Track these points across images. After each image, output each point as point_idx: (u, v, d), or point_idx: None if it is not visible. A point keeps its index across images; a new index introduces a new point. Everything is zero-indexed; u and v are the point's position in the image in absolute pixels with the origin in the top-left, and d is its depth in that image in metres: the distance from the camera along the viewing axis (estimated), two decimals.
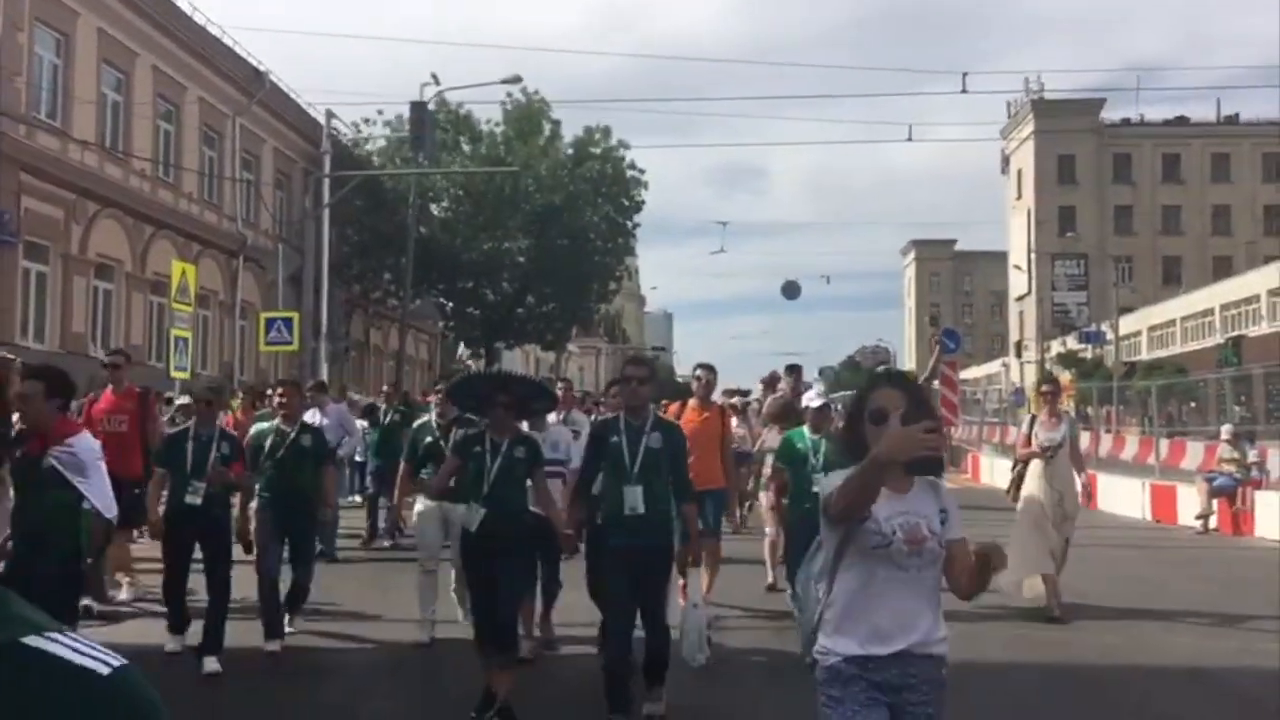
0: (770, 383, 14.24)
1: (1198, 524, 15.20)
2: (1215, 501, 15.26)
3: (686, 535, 6.13)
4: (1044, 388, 9.67)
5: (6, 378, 6.07)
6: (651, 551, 5.73)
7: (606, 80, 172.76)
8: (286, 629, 7.62)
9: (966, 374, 58.03)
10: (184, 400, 14.79)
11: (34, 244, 21.08)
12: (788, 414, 10.03)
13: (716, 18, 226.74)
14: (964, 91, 27.85)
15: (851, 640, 3.11)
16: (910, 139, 44.28)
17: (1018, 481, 9.16)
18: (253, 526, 7.62)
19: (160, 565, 7.45)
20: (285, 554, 7.76)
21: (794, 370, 12.60)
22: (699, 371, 9.26)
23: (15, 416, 6.17)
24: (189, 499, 6.94)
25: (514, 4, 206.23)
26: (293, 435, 7.70)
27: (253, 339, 28.47)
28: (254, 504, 7.69)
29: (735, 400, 14.17)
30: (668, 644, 5.87)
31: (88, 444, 5.32)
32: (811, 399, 8.98)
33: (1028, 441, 9.16)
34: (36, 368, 6.27)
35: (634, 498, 5.69)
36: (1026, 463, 9.13)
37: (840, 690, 3.11)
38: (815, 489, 8.15)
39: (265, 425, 8.76)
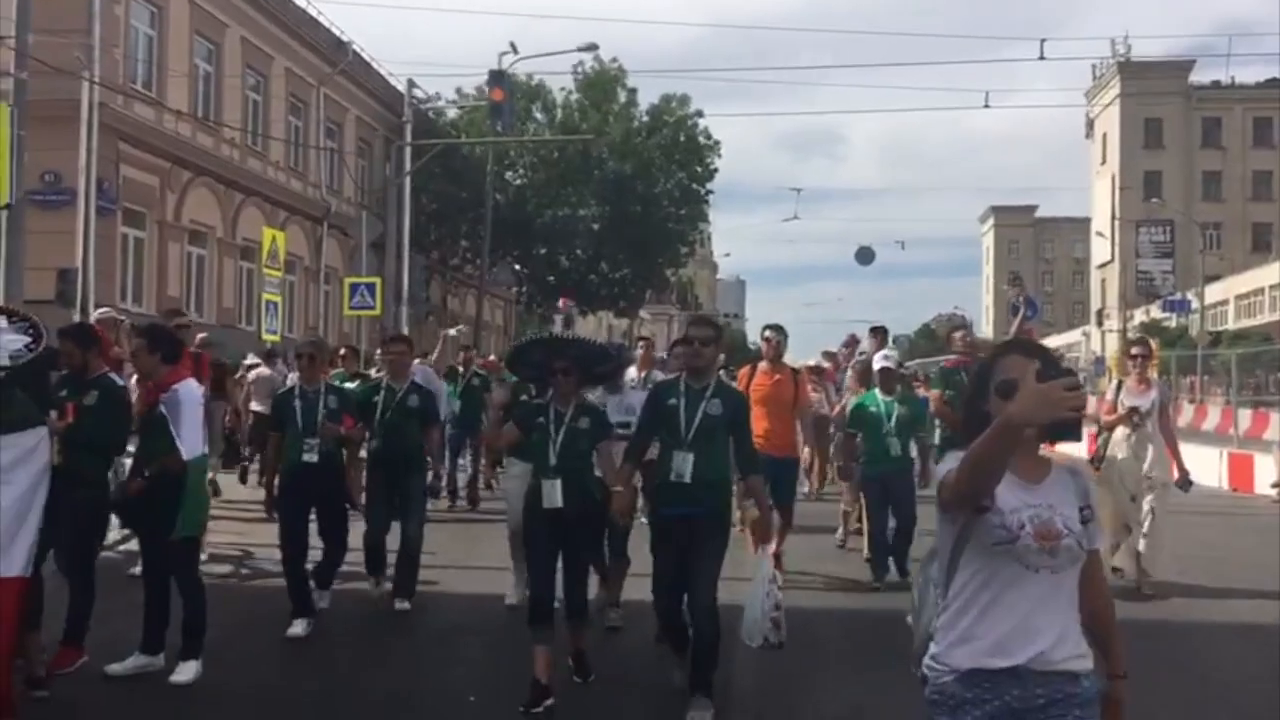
0: (851, 345, 13.86)
1: (1273, 492, 15.11)
2: None
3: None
4: (1134, 350, 8.92)
5: (104, 336, 6.62)
6: (697, 522, 5.32)
7: (683, 49, 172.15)
8: (398, 601, 7.36)
9: (1046, 342, 57.10)
10: (250, 361, 15.31)
11: (132, 210, 21.98)
12: (870, 376, 9.62)
13: None
14: (1041, 58, 27.80)
15: (966, 653, 2.66)
16: (988, 105, 43.23)
17: (1103, 449, 8.48)
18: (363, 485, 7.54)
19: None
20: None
21: (877, 332, 12.08)
22: (768, 333, 8.87)
23: (131, 371, 6.74)
24: (306, 457, 6.80)
25: None
26: (401, 394, 7.53)
27: (336, 303, 29.33)
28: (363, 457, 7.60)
29: (817, 363, 13.90)
30: (715, 631, 5.26)
31: (188, 389, 5.73)
32: (879, 360, 8.80)
33: (1114, 408, 8.46)
34: (142, 327, 6.76)
35: (682, 464, 5.33)
36: (1112, 430, 8.42)
37: (949, 716, 2.67)
38: (893, 453, 8.40)
39: (359, 384, 9.12)
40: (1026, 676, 2.62)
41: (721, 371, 9.15)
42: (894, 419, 8.44)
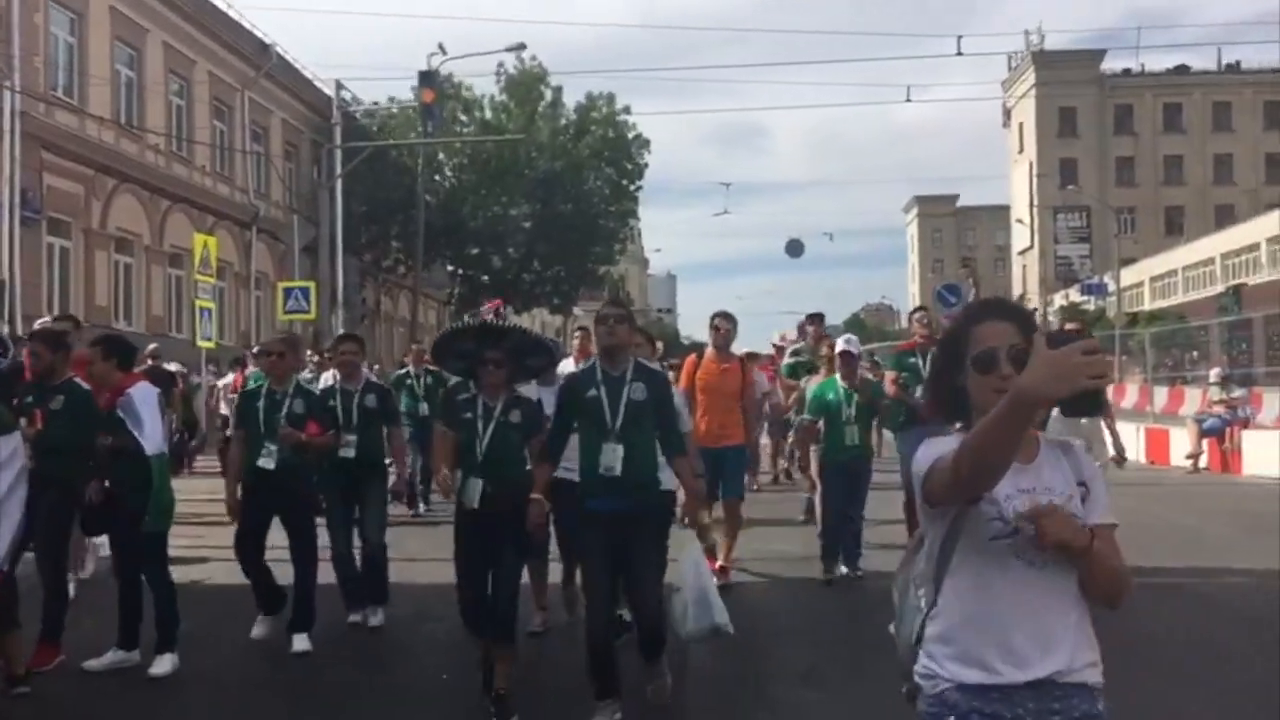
0: (813, 324, 13.41)
1: (1188, 464, 15.82)
2: (1205, 442, 15.86)
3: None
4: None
5: (64, 341, 6.71)
6: (632, 517, 4.99)
7: (609, 47, 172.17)
8: (369, 614, 7.03)
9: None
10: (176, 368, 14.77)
11: (56, 220, 21.67)
12: (831, 363, 9.29)
13: None
14: (959, 54, 28.19)
15: (970, 663, 2.32)
16: (909, 100, 43.50)
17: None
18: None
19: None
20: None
21: (815, 319, 12.02)
22: (717, 320, 8.42)
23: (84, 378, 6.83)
24: (261, 461, 6.43)
25: None
26: (357, 395, 7.15)
27: (268, 308, 29.13)
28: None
29: (776, 348, 13.99)
30: (660, 620, 5.12)
31: (142, 391, 5.87)
32: (840, 343, 8.53)
33: None
34: (96, 336, 6.86)
35: (611, 456, 4.99)
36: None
37: None
38: (849, 441, 8.23)
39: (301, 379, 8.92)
40: (1047, 689, 2.30)
41: (660, 364, 9.29)
42: (853, 406, 8.29)
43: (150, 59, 25.09)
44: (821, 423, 8.41)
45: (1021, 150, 72.18)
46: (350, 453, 7.00)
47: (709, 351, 8.41)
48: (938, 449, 2.32)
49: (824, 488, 8.50)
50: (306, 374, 12.00)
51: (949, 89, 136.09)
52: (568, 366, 9.14)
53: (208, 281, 19.50)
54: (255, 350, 11.37)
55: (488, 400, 5.40)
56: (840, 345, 8.48)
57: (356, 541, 7.19)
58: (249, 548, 6.53)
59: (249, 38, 29.42)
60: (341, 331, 12.93)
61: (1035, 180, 65.26)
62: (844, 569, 8.31)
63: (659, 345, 9.82)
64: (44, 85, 21.25)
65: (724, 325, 8.36)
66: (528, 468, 5.36)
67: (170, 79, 26.08)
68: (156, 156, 25.41)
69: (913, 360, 8.53)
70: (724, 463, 8.08)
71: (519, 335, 5.76)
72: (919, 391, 8.05)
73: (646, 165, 38.53)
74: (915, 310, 9.92)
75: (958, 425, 2.46)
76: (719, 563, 7.91)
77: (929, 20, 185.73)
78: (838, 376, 8.38)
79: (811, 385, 9.30)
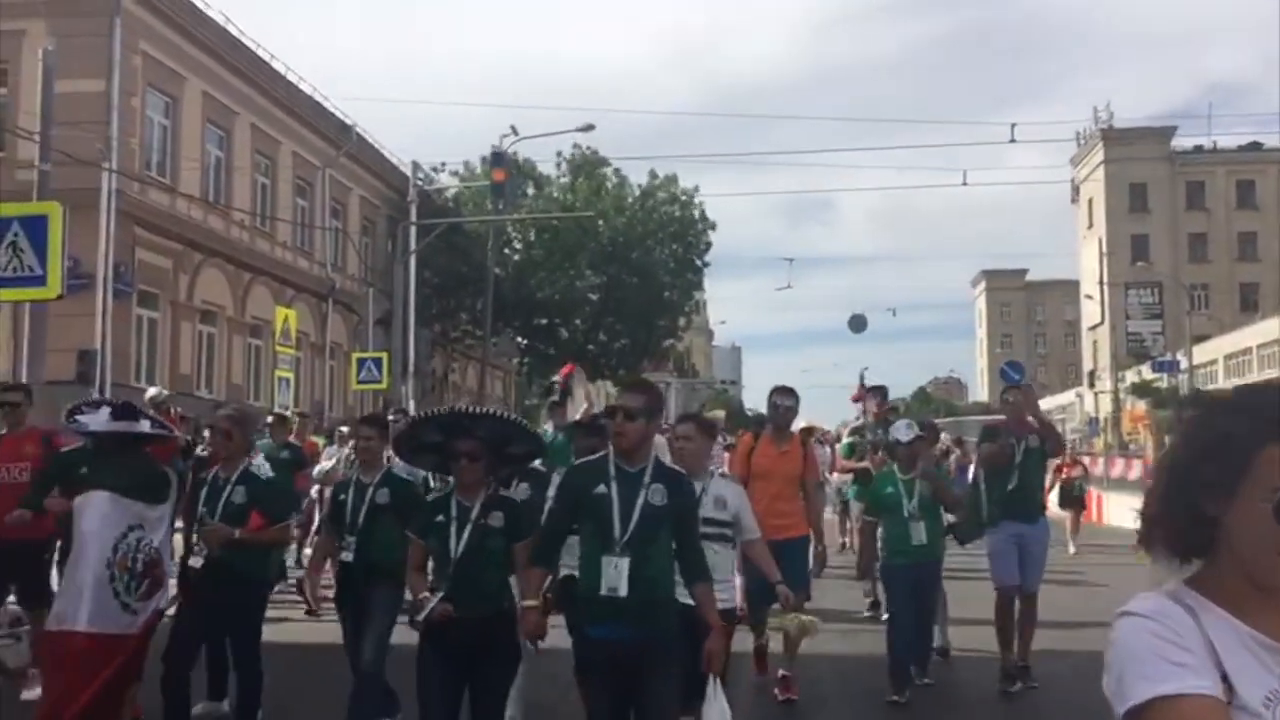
0: (873, 396, 12.12)
1: None
2: None
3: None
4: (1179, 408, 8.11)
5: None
6: (642, 647, 4.17)
7: (673, 115, 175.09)
8: None
9: (1042, 404, 57.78)
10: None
11: (146, 292, 22.75)
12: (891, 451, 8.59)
13: (782, 51, 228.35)
14: (1013, 141, 28.07)
15: None
16: (965, 183, 42.76)
17: None
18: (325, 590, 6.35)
19: None
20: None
21: (876, 392, 10.75)
22: (776, 398, 7.42)
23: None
24: (193, 560, 5.73)
25: (584, 40, 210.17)
26: (371, 489, 6.03)
27: (341, 378, 30.04)
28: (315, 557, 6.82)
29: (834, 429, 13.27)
30: None
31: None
32: (900, 430, 7.64)
33: None
34: (233, 413, 6.60)
35: (615, 574, 4.16)
36: None
37: None
38: (916, 541, 7.22)
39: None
40: None
41: (720, 441, 9.26)
42: (915, 499, 7.34)
43: (238, 140, 26.37)
44: (880, 523, 7.55)
45: (1091, 225, 71.78)
46: (348, 556, 5.99)
47: (766, 432, 7.49)
48: (1153, 652, 1.43)
49: (889, 598, 7.72)
50: (333, 449, 11.77)
51: (1010, 171, 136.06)
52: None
53: (288, 353, 20.31)
54: (268, 420, 10.82)
55: (463, 500, 4.73)
56: (905, 434, 7.55)
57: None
58: (172, 663, 5.58)
59: (331, 119, 30.74)
60: (399, 405, 12.44)
61: (1105, 256, 64.76)
62: (913, 678, 7.48)
63: (719, 430, 8.95)
64: (139, 165, 22.47)
65: (784, 403, 7.40)
66: (507, 583, 4.74)
67: (256, 159, 27.35)
68: (241, 232, 26.58)
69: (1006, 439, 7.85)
70: (785, 557, 6.77)
71: (494, 423, 5.02)
72: (1013, 480, 7.61)
73: (711, 244, 39.25)
74: (1007, 389, 8.68)
75: (1177, 562, 1.55)
76: (780, 671, 7.21)
77: (997, 92, 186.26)
78: (895, 467, 7.56)
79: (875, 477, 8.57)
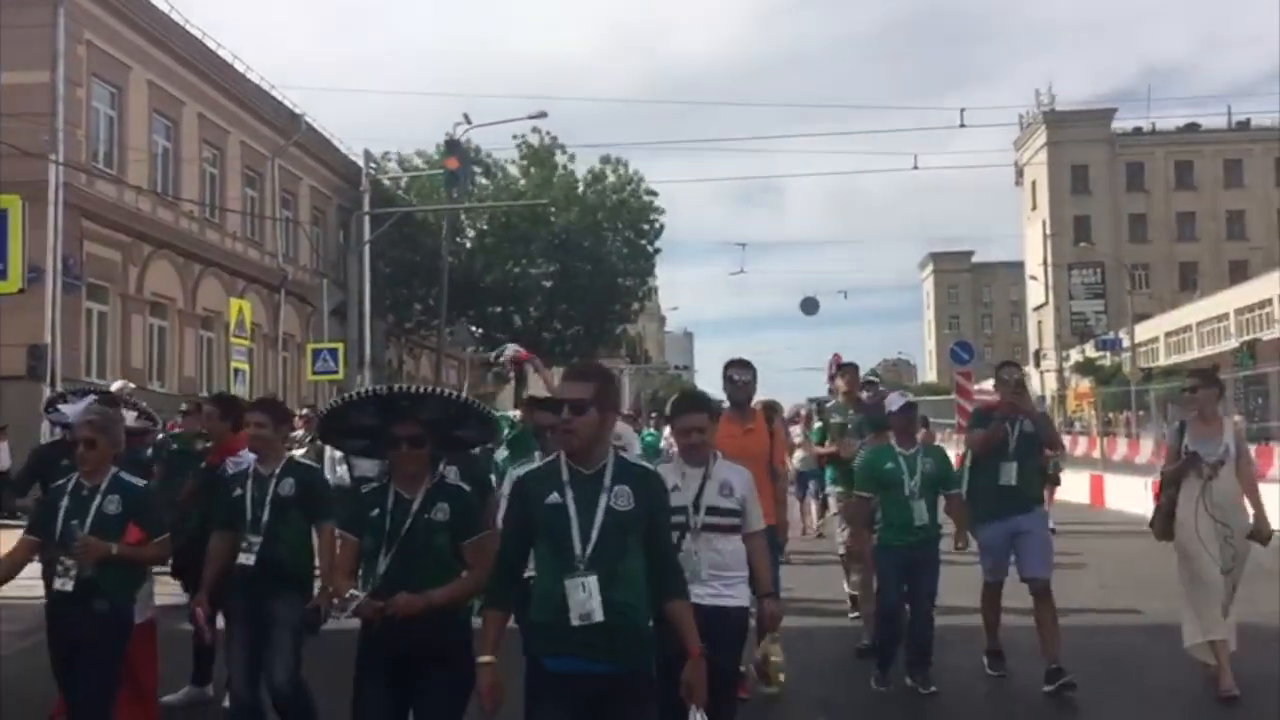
0: (846, 371, 10.67)
1: None
2: None
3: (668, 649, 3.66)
4: (1189, 383, 7.15)
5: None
6: (609, 683, 3.49)
7: (624, 101, 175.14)
8: None
9: (989, 384, 58.87)
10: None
11: (95, 285, 22.45)
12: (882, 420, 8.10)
13: (730, 38, 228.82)
14: (962, 126, 28.02)
15: None
16: (916, 167, 42.21)
17: (1169, 510, 6.86)
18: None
19: None
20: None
21: (847, 370, 9.93)
22: (732, 371, 6.62)
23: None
24: (58, 583, 4.89)
25: (535, 28, 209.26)
26: (272, 481, 5.24)
27: (295, 369, 29.84)
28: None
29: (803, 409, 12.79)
30: None
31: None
32: (893, 401, 7.20)
33: (1177, 456, 6.82)
34: (216, 395, 6.93)
35: (584, 597, 3.46)
36: (1177, 486, 6.81)
37: None
38: (918, 520, 6.68)
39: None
40: None
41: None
42: (917, 476, 6.80)
43: (186, 130, 26.04)
44: (876, 500, 7.01)
45: (1035, 208, 72.90)
46: (249, 559, 5.14)
47: (725, 412, 6.33)
48: None
49: (880, 578, 7.11)
50: (298, 433, 11.03)
51: (957, 155, 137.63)
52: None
53: (243, 345, 20.19)
54: (184, 409, 9.17)
55: (403, 490, 4.10)
56: (896, 403, 7.14)
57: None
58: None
59: (280, 108, 30.43)
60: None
61: (1049, 237, 65.86)
62: (908, 680, 6.84)
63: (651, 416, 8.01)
64: (85, 157, 22.15)
65: (741, 376, 6.61)
66: (463, 580, 4.05)
67: (204, 148, 27.03)
68: (190, 223, 26.28)
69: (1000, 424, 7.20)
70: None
71: (440, 404, 4.27)
72: (1012, 471, 7.05)
73: (662, 228, 39.38)
74: (1004, 365, 7.77)
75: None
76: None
77: (943, 76, 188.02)
78: (893, 441, 7.05)
79: (854, 450, 8.12)
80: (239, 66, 28.02)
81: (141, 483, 5.26)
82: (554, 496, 3.58)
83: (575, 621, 3.46)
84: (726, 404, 6.65)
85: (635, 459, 3.96)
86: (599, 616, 3.46)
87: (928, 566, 6.84)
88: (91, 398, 5.99)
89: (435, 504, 4.09)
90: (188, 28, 25.49)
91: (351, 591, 3.96)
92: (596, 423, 3.59)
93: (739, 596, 4.74)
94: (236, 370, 20.09)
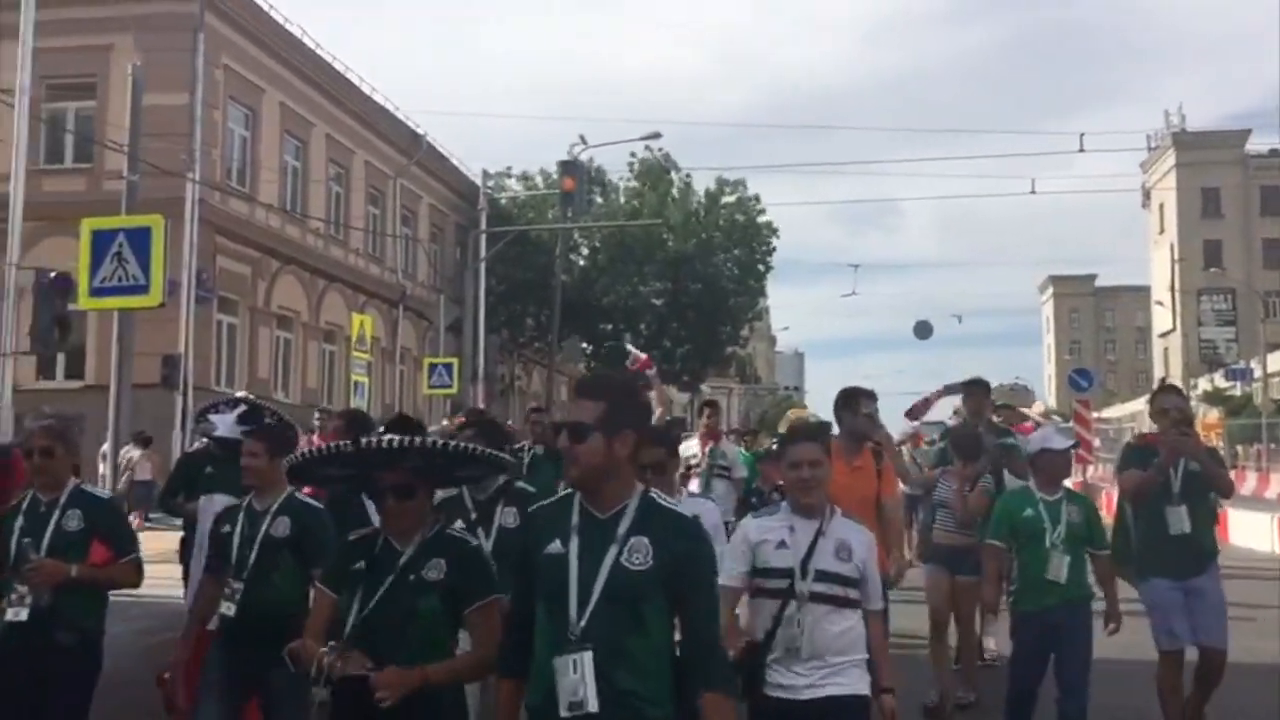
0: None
1: None
2: None
3: None
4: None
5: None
6: None
7: (737, 115, 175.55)
8: None
9: (1110, 412, 57.34)
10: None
11: (226, 298, 23.44)
12: (972, 447, 7.19)
13: (840, 54, 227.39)
14: (1081, 150, 27.12)
15: None
16: (1033, 192, 42.27)
17: None
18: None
19: None
20: None
21: (975, 389, 8.09)
22: (855, 398, 5.83)
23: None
24: (10, 613, 4.28)
25: (647, 48, 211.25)
26: (267, 518, 4.53)
27: (410, 382, 30.62)
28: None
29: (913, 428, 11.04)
30: None
31: None
32: (1050, 438, 5.87)
33: None
34: (343, 411, 6.82)
35: (574, 679, 2.74)
36: None
37: None
38: (1053, 577, 5.45)
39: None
40: None
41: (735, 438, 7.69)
42: (1061, 527, 5.55)
43: (314, 150, 27.06)
44: (1013, 552, 5.78)
45: (1162, 231, 70.57)
46: (230, 609, 4.39)
47: (835, 444, 5.30)
48: None
49: (1015, 651, 5.82)
50: None
51: (1078, 179, 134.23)
52: (690, 449, 7.98)
53: (364, 358, 20.84)
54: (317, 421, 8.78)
55: (395, 541, 3.39)
56: (1048, 442, 5.81)
57: None
58: None
59: (402, 128, 31.37)
60: (468, 408, 10.79)
61: (1176, 262, 63.70)
62: None
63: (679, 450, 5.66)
64: (220, 175, 23.17)
65: (868, 408, 5.81)
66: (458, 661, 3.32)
67: (330, 167, 28.03)
68: (316, 240, 27.26)
69: (1153, 458, 5.95)
70: None
71: (421, 455, 3.41)
72: (1182, 518, 5.84)
73: (774, 250, 39.32)
74: (1165, 391, 6.59)
75: None
76: None
77: (1062, 102, 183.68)
78: (1032, 484, 5.81)
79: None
80: (365, 88, 29.04)
81: (106, 494, 4.70)
82: (555, 544, 2.87)
83: (563, 712, 2.73)
84: (842, 434, 5.77)
85: (670, 502, 3.01)
86: (592, 706, 2.71)
87: (1077, 631, 5.54)
88: (241, 408, 6.27)
89: (429, 559, 3.31)
90: (318, 51, 26.52)
91: (321, 650, 3.20)
92: (602, 451, 2.84)
93: (855, 683, 3.80)
94: (356, 383, 20.74)
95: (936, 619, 7.09)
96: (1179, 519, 5.84)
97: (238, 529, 4.50)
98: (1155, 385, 64.24)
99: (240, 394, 11.60)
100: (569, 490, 3.00)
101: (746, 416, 61.50)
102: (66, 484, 4.48)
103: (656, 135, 30.96)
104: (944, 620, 7.09)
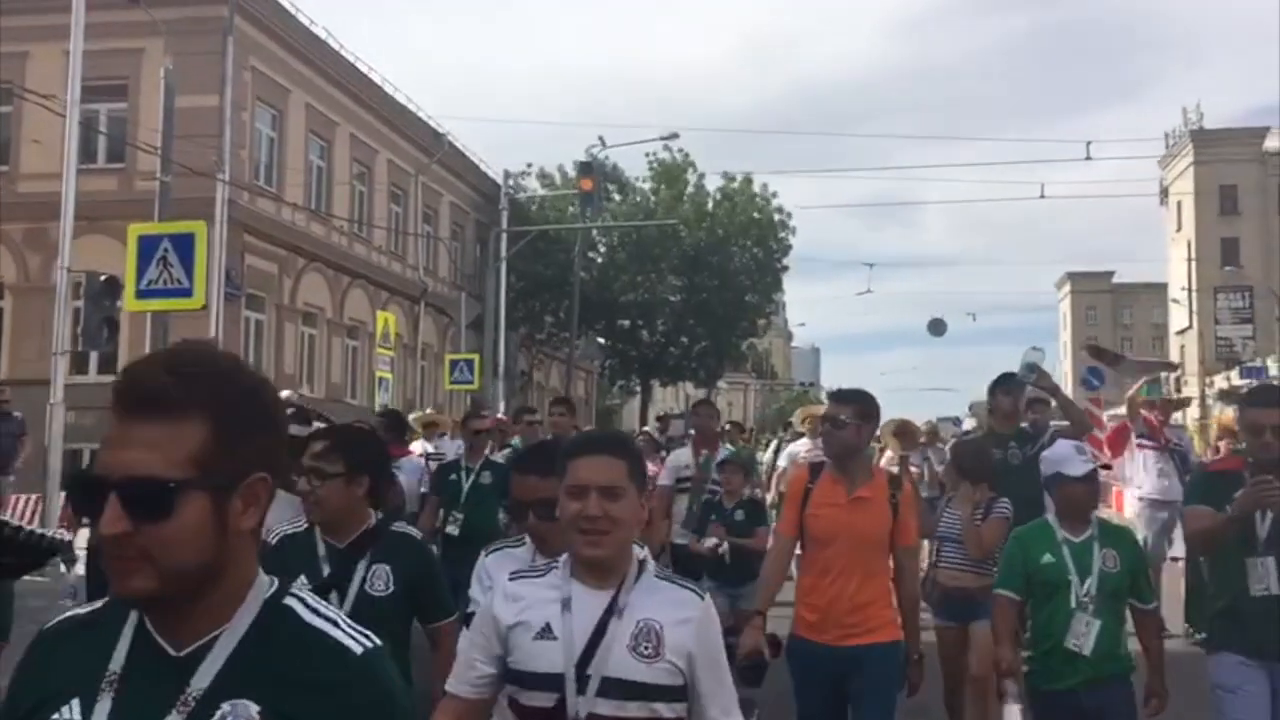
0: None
1: None
2: None
3: None
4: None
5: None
6: None
7: (756, 111, 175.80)
8: None
9: (1120, 410, 57.12)
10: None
11: (253, 295, 23.99)
12: (982, 466, 5.92)
13: (859, 50, 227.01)
14: (1088, 159, 27.44)
15: None
16: (1043, 196, 42.54)
17: None
18: None
19: None
20: None
21: (1006, 386, 6.81)
22: (836, 409, 4.38)
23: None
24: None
25: (667, 38, 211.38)
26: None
27: (431, 378, 31.15)
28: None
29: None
30: None
31: (411, 462, 6.56)
32: (1065, 460, 4.36)
33: None
34: (389, 414, 6.96)
35: None
36: None
37: None
38: (1076, 647, 4.11)
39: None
40: None
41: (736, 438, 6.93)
42: (1092, 577, 4.21)
43: (338, 149, 27.58)
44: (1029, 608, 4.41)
45: (1179, 228, 70.50)
46: None
47: (825, 470, 4.36)
48: None
49: None
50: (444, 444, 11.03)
51: (1097, 173, 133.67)
52: (682, 459, 7.04)
53: (387, 354, 21.34)
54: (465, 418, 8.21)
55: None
56: (1057, 462, 4.37)
57: None
58: None
59: (424, 128, 31.87)
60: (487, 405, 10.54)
61: (1193, 260, 63.68)
62: None
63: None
64: (249, 176, 23.70)
65: (842, 413, 4.32)
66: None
67: (354, 166, 28.56)
68: (340, 238, 27.80)
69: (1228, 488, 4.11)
70: (863, 671, 4.14)
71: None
72: (1270, 572, 4.02)
73: (790, 246, 39.66)
74: (1257, 393, 4.88)
75: None
76: None
77: (1079, 98, 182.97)
78: (1050, 518, 4.41)
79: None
80: (388, 88, 29.54)
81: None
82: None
83: None
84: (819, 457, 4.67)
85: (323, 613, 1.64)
86: None
87: (1116, 715, 4.18)
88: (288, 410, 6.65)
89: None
90: (342, 52, 27.04)
91: None
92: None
93: None
94: (380, 379, 21.23)
95: (950, 684, 5.76)
96: (1267, 573, 4.06)
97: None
98: (1172, 383, 64.35)
99: (285, 393, 12.03)
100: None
101: (762, 411, 61.85)
102: None
103: (674, 136, 31.40)
104: (960, 676, 5.67)
